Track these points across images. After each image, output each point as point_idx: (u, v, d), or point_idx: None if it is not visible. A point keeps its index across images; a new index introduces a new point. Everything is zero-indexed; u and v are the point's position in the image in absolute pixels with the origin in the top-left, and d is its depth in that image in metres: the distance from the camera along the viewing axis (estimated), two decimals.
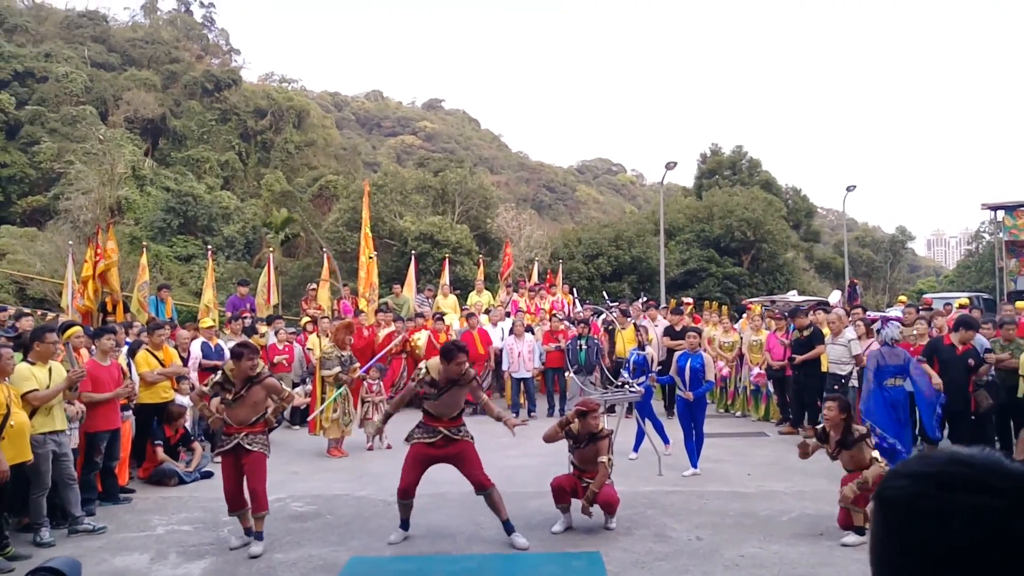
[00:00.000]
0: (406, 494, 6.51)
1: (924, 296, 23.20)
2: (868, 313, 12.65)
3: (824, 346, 10.60)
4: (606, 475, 6.68)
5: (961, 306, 13.22)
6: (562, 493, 6.82)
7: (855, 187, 31.69)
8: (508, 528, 6.46)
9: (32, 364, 6.58)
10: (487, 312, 14.68)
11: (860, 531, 6.30)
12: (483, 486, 6.52)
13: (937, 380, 8.67)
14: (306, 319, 14.49)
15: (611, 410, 9.19)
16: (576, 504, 6.79)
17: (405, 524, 6.56)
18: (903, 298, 18.36)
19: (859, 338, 10.47)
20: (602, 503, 6.69)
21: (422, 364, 6.71)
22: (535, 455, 9.66)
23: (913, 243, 66.10)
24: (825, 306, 13.02)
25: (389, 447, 10.33)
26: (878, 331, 10.01)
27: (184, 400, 9.41)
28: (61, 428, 6.72)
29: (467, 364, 6.59)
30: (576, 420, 6.80)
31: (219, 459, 9.60)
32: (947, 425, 8.90)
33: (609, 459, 6.73)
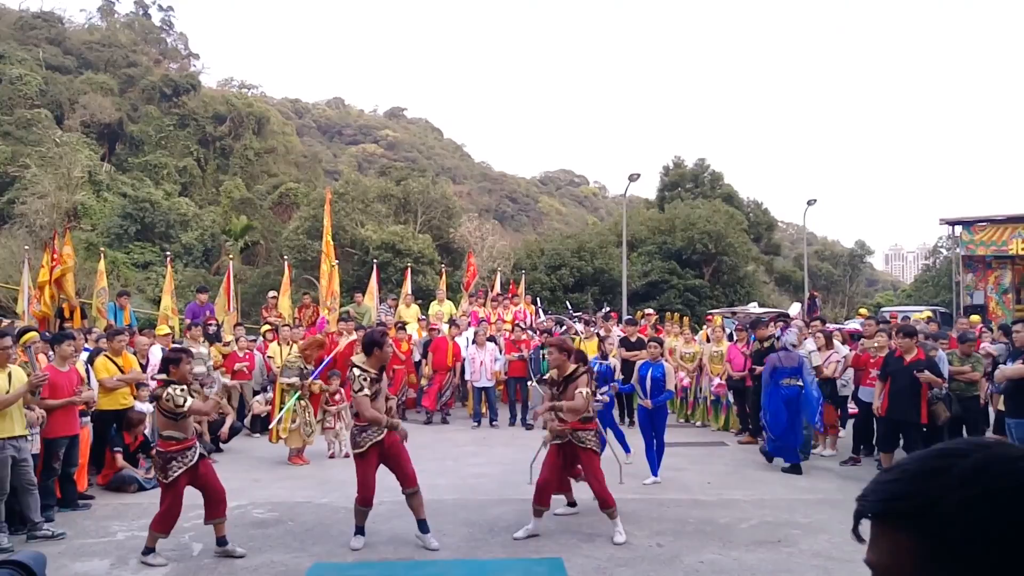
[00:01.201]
0: (370, 501, 6.50)
1: (887, 310, 23.68)
2: (827, 325, 12.93)
3: None
4: (583, 406, 6.64)
5: (928, 319, 13.58)
6: (546, 490, 6.82)
7: (815, 201, 32.33)
8: (424, 528, 6.50)
9: None
10: (451, 323, 14.69)
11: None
12: (413, 483, 6.50)
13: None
14: (266, 327, 14.38)
15: None
16: (556, 499, 6.84)
17: (362, 530, 6.55)
18: (863, 311, 18.77)
19: (819, 349, 10.67)
20: (599, 498, 6.76)
21: (354, 369, 6.45)
22: (496, 463, 9.72)
23: (871, 257, 67.68)
24: (785, 318, 13.28)
25: (347, 455, 10.29)
26: (778, 338, 10.97)
27: (143, 407, 9.28)
28: (21, 433, 6.61)
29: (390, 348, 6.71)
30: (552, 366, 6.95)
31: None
32: (900, 436, 9.10)
33: (586, 393, 6.67)
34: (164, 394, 6.08)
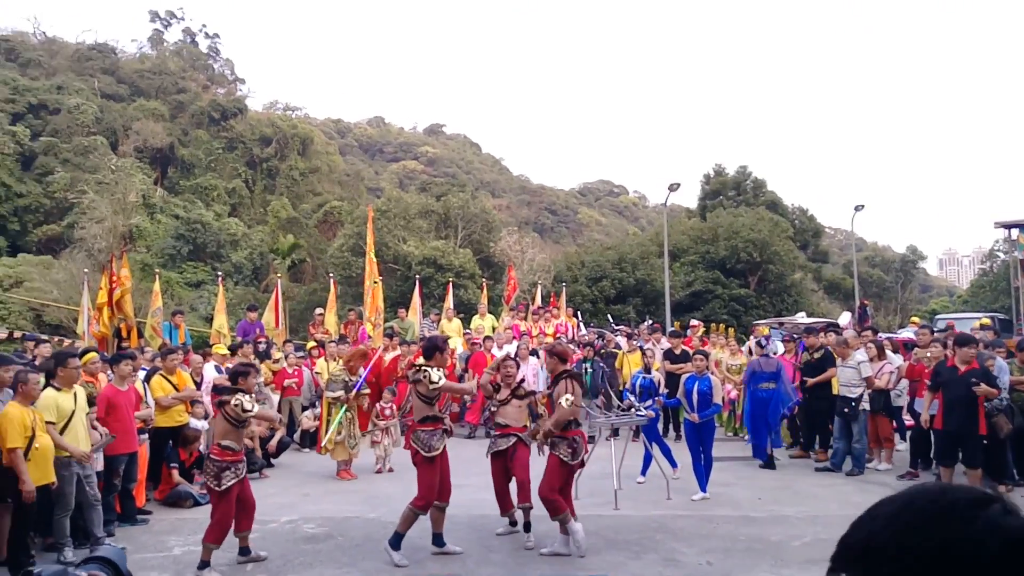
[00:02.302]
0: (430, 507, 6.70)
1: (942, 317, 22.97)
2: (880, 335, 12.63)
3: (836, 369, 10.57)
4: (567, 415, 6.79)
5: (982, 326, 13.17)
6: (503, 498, 7.20)
7: (864, 206, 31.52)
8: (440, 542, 6.76)
9: (57, 390, 6.71)
10: (489, 337, 14.75)
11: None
12: (447, 498, 6.83)
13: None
14: (311, 344, 14.62)
15: (615, 433, 9.24)
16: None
17: (400, 543, 6.63)
18: (916, 319, 18.30)
19: (870, 360, 10.45)
20: (546, 501, 6.71)
21: (435, 375, 6.66)
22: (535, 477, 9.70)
23: (925, 263, 65.55)
24: (835, 328, 13.02)
25: (391, 470, 10.45)
26: (763, 345, 12.17)
27: (198, 424, 9.52)
28: (85, 451, 6.84)
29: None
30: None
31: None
32: (959, 449, 8.83)
33: (568, 399, 6.75)
34: (233, 400, 6.38)
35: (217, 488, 6.28)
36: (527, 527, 7.11)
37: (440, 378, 6.61)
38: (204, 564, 6.25)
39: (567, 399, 6.73)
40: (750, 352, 13.48)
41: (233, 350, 12.15)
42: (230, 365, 11.28)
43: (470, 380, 13.87)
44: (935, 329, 12.32)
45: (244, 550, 6.60)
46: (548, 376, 7.23)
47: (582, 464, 7.09)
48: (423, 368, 6.67)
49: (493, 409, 7.42)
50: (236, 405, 6.36)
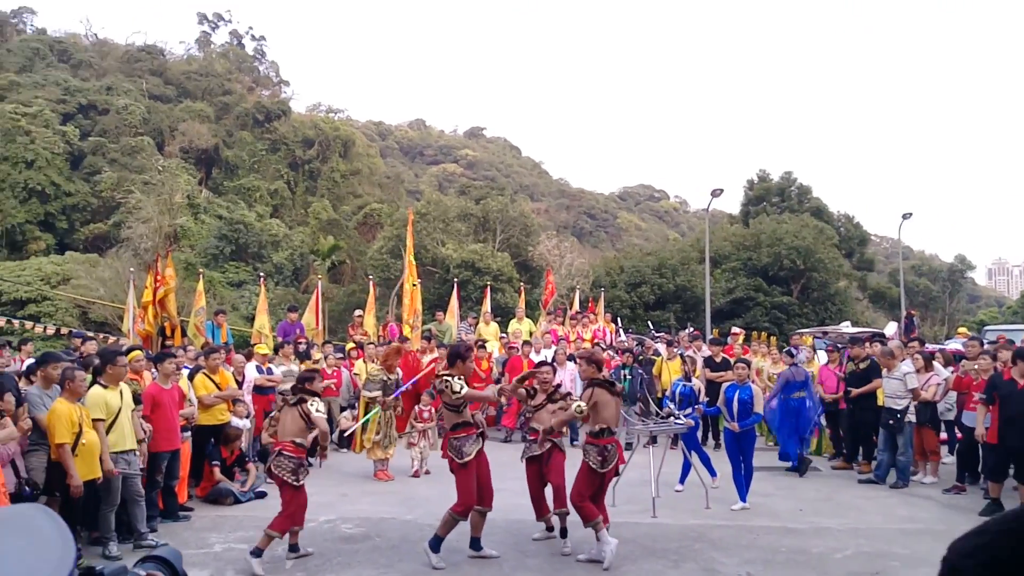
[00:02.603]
0: (471, 511, 6.72)
1: (991, 329, 22.34)
2: (926, 346, 12.34)
3: (881, 380, 10.36)
4: (567, 418, 6.90)
5: None
6: (538, 503, 7.21)
7: (911, 214, 31.00)
8: (477, 546, 6.79)
9: (104, 387, 6.84)
10: (528, 342, 14.71)
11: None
12: (490, 503, 6.83)
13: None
14: (350, 345, 14.73)
15: (654, 441, 9.16)
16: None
17: (439, 546, 6.64)
18: (964, 330, 17.87)
19: (917, 371, 10.22)
20: (577, 508, 6.69)
21: (457, 385, 6.66)
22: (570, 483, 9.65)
23: (973, 272, 64.08)
24: (881, 338, 12.77)
25: (428, 472, 10.48)
26: (792, 354, 12.93)
27: (240, 422, 9.64)
28: (131, 448, 7.00)
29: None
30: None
31: (270, 480, 9.87)
32: (1013, 466, 8.58)
33: (579, 407, 6.74)
34: (310, 401, 6.83)
35: (296, 483, 6.65)
36: (563, 532, 7.09)
37: (462, 387, 6.59)
38: (259, 552, 6.40)
39: (578, 405, 6.73)
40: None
41: (276, 350, 12.30)
42: (271, 365, 11.46)
43: (506, 385, 13.86)
44: (984, 340, 11.98)
45: (294, 547, 6.79)
46: (584, 382, 7.17)
47: (616, 472, 7.00)
48: (445, 378, 6.68)
49: (528, 415, 7.39)
50: (311, 405, 6.84)
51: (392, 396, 10.60)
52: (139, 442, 7.18)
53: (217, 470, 9.00)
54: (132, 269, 16.53)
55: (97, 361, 7.21)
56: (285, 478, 6.65)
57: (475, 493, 6.62)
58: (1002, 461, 8.58)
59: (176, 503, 8.09)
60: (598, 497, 6.89)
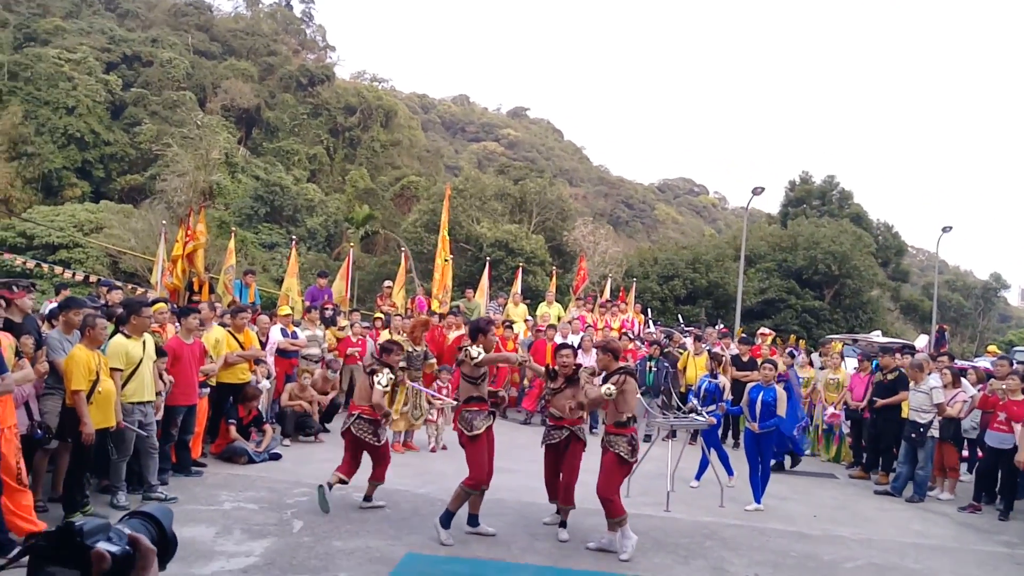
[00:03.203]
0: (483, 483, 6.73)
1: (1020, 349, 21.91)
2: (955, 362, 12.10)
3: (907, 392, 10.20)
4: (597, 397, 6.66)
5: None
6: (552, 487, 7.15)
7: (951, 228, 30.38)
8: (475, 522, 6.79)
9: (127, 337, 6.88)
10: (553, 326, 14.62)
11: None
12: (488, 481, 6.81)
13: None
14: (377, 315, 14.75)
15: (673, 435, 9.05)
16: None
17: (449, 522, 6.62)
18: (993, 348, 17.55)
19: (944, 387, 10.02)
20: (606, 501, 6.57)
21: (475, 352, 6.67)
22: (594, 471, 9.58)
23: (1007, 292, 63.08)
24: (911, 350, 12.53)
25: (444, 448, 10.47)
26: (793, 355, 13.25)
27: (263, 384, 9.69)
28: (150, 399, 7.04)
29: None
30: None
31: (287, 443, 9.95)
32: None
33: (609, 390, 6.58)
34: (379, 373, 7.43)
35: (377, 442, 7.33)
36: (562, 523, 7.01)
37: (479, 353, 6.62)
38: (328, 486, 7.11)
39: (608, 388, 6.57)
40: (820, 366, 13.11)
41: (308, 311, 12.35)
42: (296, 329, 11.49)
43: (529, 358, 13.79)
44: (1013, 361, 11.71)
45: (368, 497, 7.38)
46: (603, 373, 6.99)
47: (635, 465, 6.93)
48: (465, 348, 6.71)
49: (548, 397, 7.29)
50: (377, 378, 7.34)
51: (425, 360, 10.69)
52: (157, 394, 7.21)
53: (233, 429, 9.05)
54: (164, 222, 16.68)
55: (121, 310, 7.24)
56: (367, 439, 7.25)
57: (486, 466, 6.63)
58: None
59: (189, 458, 8.14)
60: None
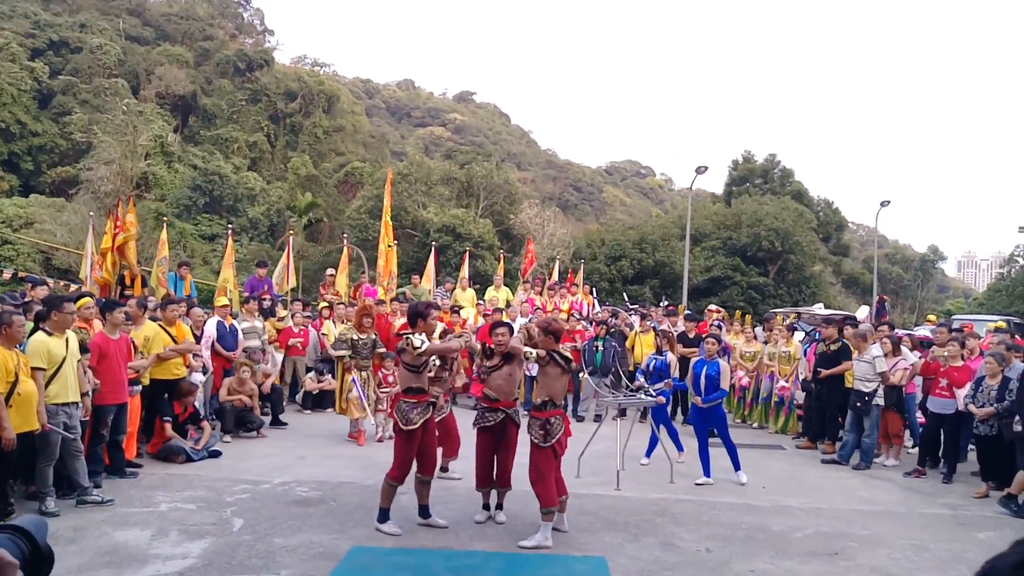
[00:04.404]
0: (404, 478, 6.50)
1: (958, 318, 22.60)
2: (896, 331, 12.35)
3: (851, 362, 10.34)
4: (518, 351, 6.55)
5: (998, 328, 12.83)
6: (484, 473, 6.90)
7: (889, 203, 31.25)
8: (426, 513, 6.60)
9: (49, 334, 6.51)
10: (500, 310, 14.50)
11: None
12: (432, 471, 6.66)
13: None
14: (323, 304, 14.44)
15: (623, 414, 9.02)
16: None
17: (388, 514, 6.44)
18: (932, 317, 18.01)
19: (886, 355, 10.20)
20: (537, 491, 6.35)
21: (417, 341, 6.38)
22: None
23: (944, 263, 65.21)
24: (853, 321, 12.73)
25: (392, 437, 10.26)
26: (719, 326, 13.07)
27: (196, 377, 9.35)
28: (74, 400, 6.67)
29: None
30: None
31: (227, 439, 9.64)
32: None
33: (528, 354, 6.46)
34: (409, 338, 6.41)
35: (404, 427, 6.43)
36: (499, 507, 6.89)
37: (423, 342, 6.37)
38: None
39: (530, 351, 6.43)
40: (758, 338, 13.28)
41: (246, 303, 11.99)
42: (234, 322, 11.13)
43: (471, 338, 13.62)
44: (952, 328, 12.02)
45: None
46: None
47: (561, 451, 6.55)
48: (406, 336, 6.43)
49: (484, 377, 7.01)
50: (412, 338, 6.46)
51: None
52: (83, 395, 6.85)
53: (169, 427, 8.68)
54: (92, 214, 16.01)
55: (40, 307, 6.86)
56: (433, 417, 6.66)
57: (411, 462, 6.42)
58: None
59: (123, 459, 7.76)
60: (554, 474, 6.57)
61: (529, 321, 13.36)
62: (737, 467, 8.67)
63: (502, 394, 6.74)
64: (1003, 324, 16.34)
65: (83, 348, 7.01)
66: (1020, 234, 32.07)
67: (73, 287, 14.35)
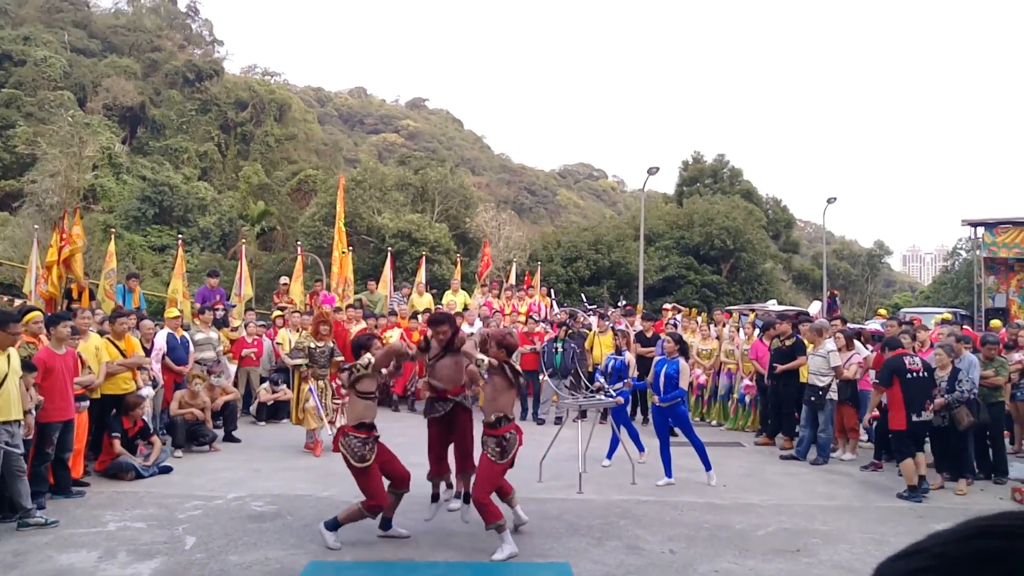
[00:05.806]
0: (383, 507, 6.37)
1: (907, 311, 23.15)
2: (848, 325, 12.56)
3: (806, 357, 10.45)
4: (471, 356, 6.42)
5: (944, 320, 13.15)
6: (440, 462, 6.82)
7: (835, 199, 31.92)
8: (387, 526, 6.50)
9: None
10: (459, 314, 14.40)
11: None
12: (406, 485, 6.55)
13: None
14: (276, 313, 14.18)
15: (583, 415, 8.98)
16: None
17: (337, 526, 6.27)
18: (883, 311, 18.36)
19: (839, 350, 10.33)
20: (479, 505, 6.18)
21: (364, 360, 6.30)
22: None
23: (889, 258, 66.84)
24: (805, 317, 12.91)
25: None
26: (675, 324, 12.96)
27: (145, 391, 9.07)
28: (16, 418, 6.39)
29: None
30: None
31: (179, 454, 9.37)
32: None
33: (480, 360, 6.32)
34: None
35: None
36: (466, 498, 6.69)
37: (368, 359, 6.25)
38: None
39: (483, 359, 6.31)
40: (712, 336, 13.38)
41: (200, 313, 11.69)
42: (186, 334, 10.85)
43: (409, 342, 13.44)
44: (902, 321, 12.25)
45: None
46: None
47: (511, 464, 6.42)
48: (351, 366, 6.33)
49: (429, 369, 6.82)
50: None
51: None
52: (26, 412, 6.57)
53: (118, 443, 8.38)
54: (36, 227, 15.55)
55: None
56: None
57: (383, 489, 6.30)
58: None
59: (69, 478, 7.47)
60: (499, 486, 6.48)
61: (487, 324, 13.36)
62: (708, 467, 8.63)
63: (449, 383, 6.62)
64: (949, 316, 16.77)
65: (28, 365, 6.73)
66: (963, 228, 32.96)
67: (18, 302, 13.85)
